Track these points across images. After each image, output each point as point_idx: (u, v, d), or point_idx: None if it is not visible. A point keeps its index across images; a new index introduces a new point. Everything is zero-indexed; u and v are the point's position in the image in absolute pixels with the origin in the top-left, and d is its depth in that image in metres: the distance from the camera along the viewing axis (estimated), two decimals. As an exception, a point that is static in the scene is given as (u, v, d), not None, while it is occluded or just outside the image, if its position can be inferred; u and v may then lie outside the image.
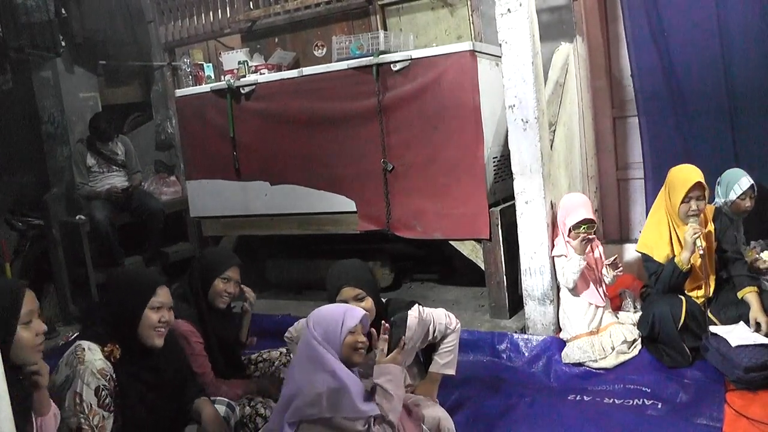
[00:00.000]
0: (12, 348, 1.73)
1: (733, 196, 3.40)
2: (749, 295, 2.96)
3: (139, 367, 2.07)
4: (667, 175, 3.19)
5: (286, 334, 2.64)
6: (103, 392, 1.94)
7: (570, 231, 3.25)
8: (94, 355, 1.97)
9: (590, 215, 3.24)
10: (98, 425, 1.92)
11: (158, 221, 5.01)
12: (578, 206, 3.27)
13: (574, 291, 3.29)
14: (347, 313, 2.02)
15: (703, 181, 3.02)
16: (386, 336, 2.12)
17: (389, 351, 2.13)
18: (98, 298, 2.20)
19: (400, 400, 2.05)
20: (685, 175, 3.06)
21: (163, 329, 2.11)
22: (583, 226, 3.21)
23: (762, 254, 3.34)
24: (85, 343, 2.01)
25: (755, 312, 2.89)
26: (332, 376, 1.91)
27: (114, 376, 1.98)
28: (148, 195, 5.19)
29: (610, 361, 3.09)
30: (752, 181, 3.39)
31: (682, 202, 3.02)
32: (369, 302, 2.31)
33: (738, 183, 3.40)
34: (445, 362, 2.50)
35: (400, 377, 2.10)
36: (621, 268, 3.30)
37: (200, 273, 2.68)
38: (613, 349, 3.13)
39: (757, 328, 2.85)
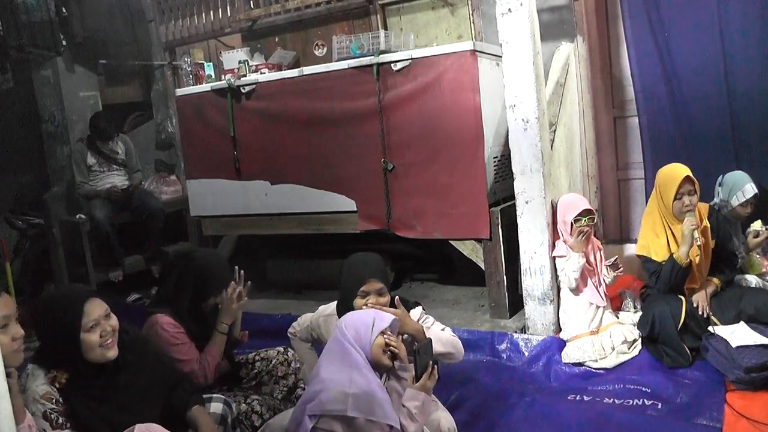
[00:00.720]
0: None
1: (735, 202, 3.38)
2: (709, 285, 3.08)
3: (91, 387, 1.96)
4: (656, 176, 3.20)
5: (289, 330, 2.65)
6: (53, 415, 1.87)
7: (571, 226, 3.26)
8: (35, 381, 1.90)
9: (589, 206, 3.27)
10: None
11: (159, 221, 5.01)
12: (576, 201, 3.31)
13: (575, 291, 3.29)
14: (377, 315, 2.04)
15: (691, 175, 3.03)
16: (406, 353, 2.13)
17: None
18: (34, 329, 2.03)
19: (422, 427, 2.05)
20: (673, 172, 3.07)
21: (111, 339, 1.96)
22: (584, 219, 3.23)
23: (753, 225, 3.33)
24: (30, 367, 1.94)
25: (700, 295, 3.02)
26: (363, 377, 1.91)
27: (60, 399, 1.90)
28: (148, 194, 5.20)
29: (610, 361, 3.09)
30: (756, 190, 3.36)
31: (675, 199, 3.02)
32: (387, 298, 2.31)
33: (742, 190, 3.36)
34: (428, 326, 2.38)
35: (429, 405, 2.10)
36: (621, 269, 3.31)
37: (196, 289, 2.55)
38: (613, 349, 3.13)
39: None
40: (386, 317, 2.05)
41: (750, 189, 3.35)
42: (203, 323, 2.60)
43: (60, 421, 1.87)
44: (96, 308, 1.95)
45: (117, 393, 2.00)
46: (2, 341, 1.74)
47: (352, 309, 2.27)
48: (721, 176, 3.52)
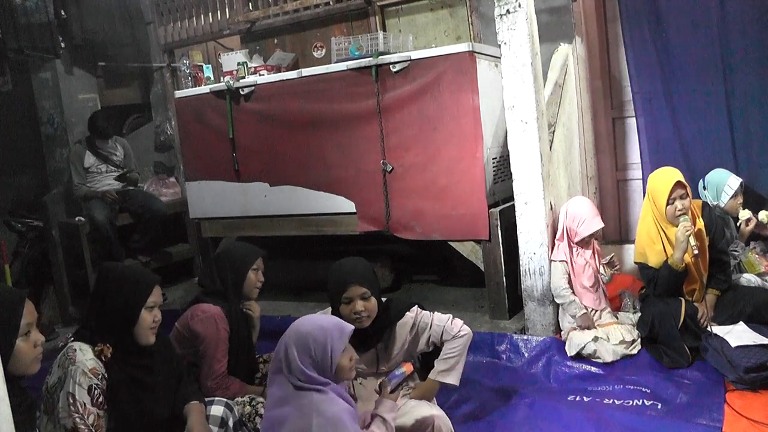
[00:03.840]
0: (10, 359, 1.71)
1: (726, 198, 3.44)
2: (708, 295, 3.09)
3: (131, 366, 2.07)
4: (647, 182, 3.21)
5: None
6: (96, 391, 1.94)
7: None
8: (85, 355, 1.98)
9: (602, 223, 3.29)
10: (93, 424, 1.93)
11: (160, 222, 5.01)
12: (593, 216, 3.28)
13: (573, 289, 3.32)
14: (330, 336, 1.89)
15: (682, 179, 3.04)
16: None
17: None
18: (92, 294, 2.17)
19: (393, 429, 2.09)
20: (664, 177, 3.07)
21: (156, 328, 2.13)
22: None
23: (741, 214, 3.43)
24: (76, 344, 2.02)
25: (701, 307, 3.04)
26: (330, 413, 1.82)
27: (106, 374, 1.99)
28: (151, 196, 5.19)
29: (610, 351, 3.09)
30: (739, 179, 3.45)
31: (667, 204, 3.02)
32: (373, 302, 2.30)
33: (727, 183, 3.44)
34: (443, 369, 2.42)
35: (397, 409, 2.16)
36: (618, 266, 3.31)
37: (231, 268, 2.75)
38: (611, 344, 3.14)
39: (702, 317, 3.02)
40: (336, 336, 1.90)
41: (734, 180, 3.44)
42: (242, 327, 2.73)
43: (100, 399, 1.96)
44: (158, 294, 2.14)
45: (148, 376, 2.11)
46: (24, 349, 1.75)
47: (340, 317, 2.27)
48: (701, 181, 3.59)
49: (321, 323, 1.94)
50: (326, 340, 1.87)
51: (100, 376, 1.97)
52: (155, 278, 2.17)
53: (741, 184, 3.43)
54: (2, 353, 1.66)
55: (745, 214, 3.41)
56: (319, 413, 1.80)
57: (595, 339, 3.11)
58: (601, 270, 3.33)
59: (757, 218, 3.42)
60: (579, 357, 3.15)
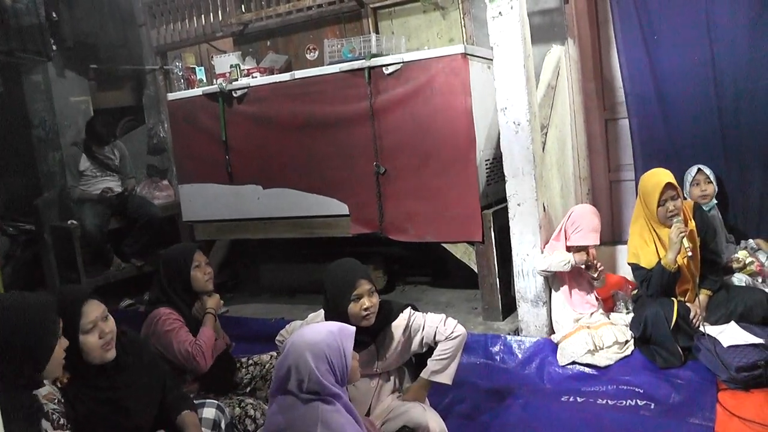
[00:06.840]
0: (48, 365, 1.75)
1: (688, 187, 3.66)
2: (701, 295, 3.11)
3: (91, 387, 1.96)
4: (638, 184, 3.22)
5: (277, 338, 2.63)
6: (54, 415, 1.86)
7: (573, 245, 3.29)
8: None
9: (598, 240, 3.26)
10: None
11: (155, 226, 4.99)
12: (591, 230, 3.25)
13: (564, 293, 3.31)
14: (338, 340, 1.87)
15: (673, 181, 3.06)
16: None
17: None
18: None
19: None
20: (655, 179, 3.08)
21: (110, 340, 1.96)
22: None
23: (738, 253, 3.47)
24: None
25: (694, 307, 3.06)
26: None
27: (61, 398, 1.90)
28: (147, 201, 5.17)
29: (603, 357, 3.09)
30: (700, 166, 3.69)
31: (659, 206, 3.04)
32: (377, 298, 2.33)
33: (688, 172, 3.69)
34: (435, 369, 2.42)
35: None
36: (602, 267, 3.31)
37: (173, 274, 2.67)
38: (604, 347, 3.14)
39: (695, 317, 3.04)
40: (344, 336, 1.89)
41: (694, 168, 3.68)
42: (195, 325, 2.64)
43: (61, 421, 1.87)
44: (94, 309, 1.94)
45: (116, 394, 2.01)
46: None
47: (346, 316, 2.26)
48: None
49: (327, 329, 1.90)
50: (339, 344, 1.85)
51: (56, 400, 1.88)
52: (82, 297, 1.94)
53: (699, 170, 3.68)
54: (40, 357, 1.73)
55: (742, 254, 3.48)
56: (323, 423, 1.76)
57: (591, 353, 3.10)
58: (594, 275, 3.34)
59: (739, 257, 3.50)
60: (572, 362, 3.16)
